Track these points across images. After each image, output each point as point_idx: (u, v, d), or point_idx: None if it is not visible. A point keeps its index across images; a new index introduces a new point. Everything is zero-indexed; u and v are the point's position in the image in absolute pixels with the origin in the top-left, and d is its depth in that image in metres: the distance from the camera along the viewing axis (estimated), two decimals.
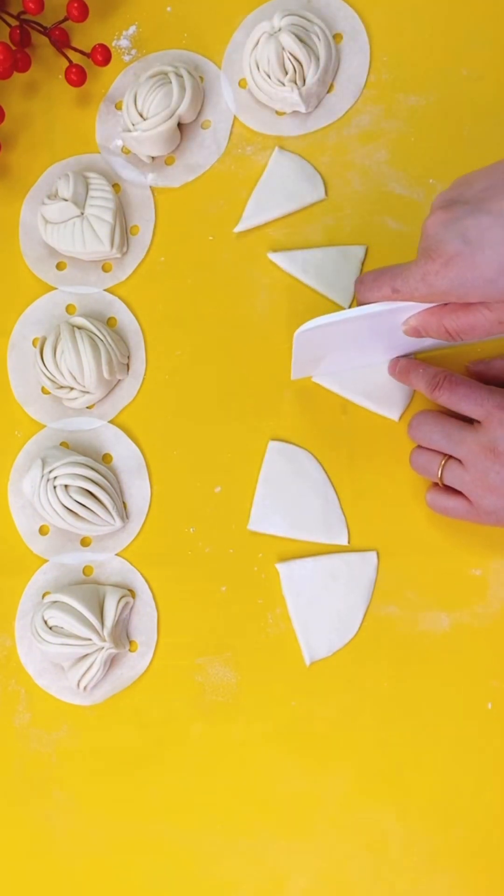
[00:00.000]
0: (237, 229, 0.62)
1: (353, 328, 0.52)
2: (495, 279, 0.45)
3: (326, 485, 0.59)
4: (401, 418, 0.59)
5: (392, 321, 0.51)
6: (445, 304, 0.49)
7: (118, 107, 0.66)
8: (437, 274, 0.46)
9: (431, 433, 0.54)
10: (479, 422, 0.52)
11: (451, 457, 0.53)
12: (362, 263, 0.61)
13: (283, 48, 0.60)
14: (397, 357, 0.58)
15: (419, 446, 0.56)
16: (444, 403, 0.54)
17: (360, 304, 0.51)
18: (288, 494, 0.59)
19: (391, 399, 0.59)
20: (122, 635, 0.58)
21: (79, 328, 0.60)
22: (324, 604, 0.57)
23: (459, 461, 0.53)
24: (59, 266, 0.64)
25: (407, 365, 0.56)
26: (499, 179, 0.46)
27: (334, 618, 0.57)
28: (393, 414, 0.59)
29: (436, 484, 0.55)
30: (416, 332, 0.51)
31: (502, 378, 0.56)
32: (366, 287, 0.50)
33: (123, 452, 0.61)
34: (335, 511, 0.59)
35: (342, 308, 0.60)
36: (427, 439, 0.54)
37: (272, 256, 0.62)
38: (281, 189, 0.62)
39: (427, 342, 0.54)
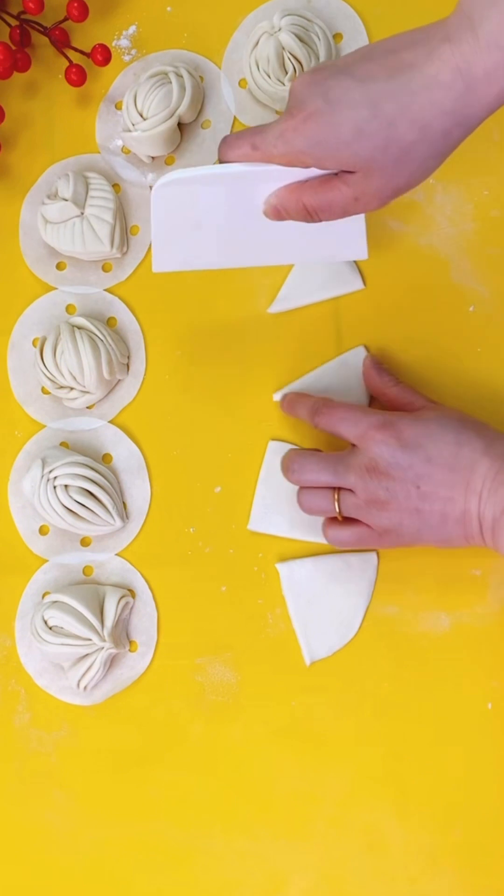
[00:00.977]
0: None
1: (214, 198, 0.50)
2: (350, 142, 0.44)
3: None
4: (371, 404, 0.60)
5: (253, 197, 0.50)
6: (304, 182, 0.48)
7: (118, 107, 0.66)
8: (296, 130, 0.45)
9: (318, 472, 0.53)
10: (355, 445, 0.52)
11: (341, 488, 0.53)
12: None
13: (283, 48, 0.60)
14: (284, 393, 0.59)
15: (306, 488, 0.55)
16: (324, 427, 0.54)
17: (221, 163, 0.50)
18: (288, 494, 0.59)
19: (354, 395, 0.60)
20: (122, 635, 0.58)
21: (79, 328, 0.60)
22: (324, 604, 0.57)
23: (350, 490, 0.53)
24: (59, 266, 0.64)
25: (293, 398, 0.58)
26: (368, 51, 0.46)
27: (334, 618, 0.57)
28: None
29: (329, 519, 0.55)
30: (276, 212, 0.50)
31: (383, 393, 0.57)
32: (227, 145, 0.49)
33: (123, 452, 0.61)
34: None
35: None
36: (315, 479, 0.54)
37: None
38: None
39: (288, 249, 0.53)
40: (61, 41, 0.65)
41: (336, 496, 0.53)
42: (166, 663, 0.58)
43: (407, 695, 0.56)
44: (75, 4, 0.64)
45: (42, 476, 0.57)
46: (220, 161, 0.49)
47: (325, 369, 0.60)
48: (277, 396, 0.60)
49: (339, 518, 0.54)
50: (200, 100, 0.64)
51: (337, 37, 0.64)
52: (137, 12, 0.67)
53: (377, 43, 0.46)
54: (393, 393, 0.56)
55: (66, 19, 0.64)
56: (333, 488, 0.53)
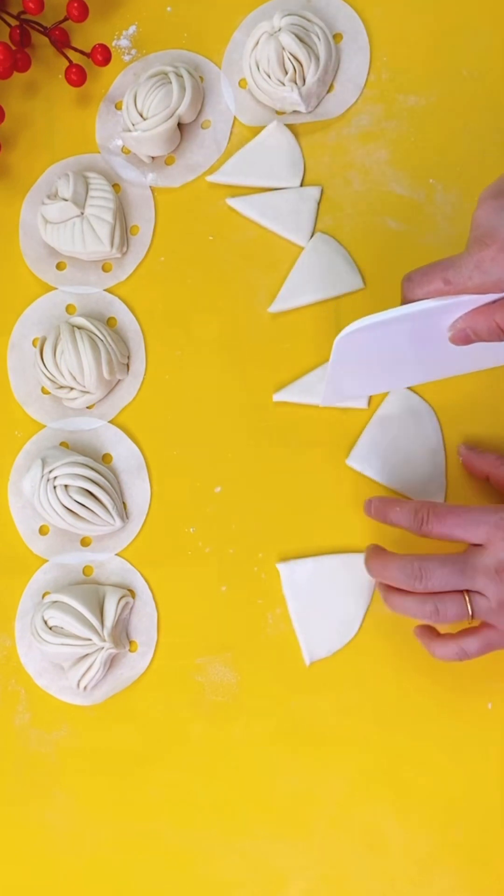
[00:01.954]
0: (210, 178, 0.63)
1: (396, 334, 0.49)
2: None
3: (439, 444, 0.58)
4: (369, 404, 0.59)
5: (438, 327, 0.48)
6: (494, 302, 0.47)
7: (118, 107, 0.66)
8: (493, 260, 0.44)
9: (447, 576, 0.50)
10: (479, 545, 0.50)
11: (467, 590, 0.50)
12: (318, 203, 0.62)
13: (283, 48, 0.60)
14: (369, 499, 0.55)
15: (432, 593, 0.51)
16: (438, 536, 0.51)
17: (406, 302, 0.48)
18: (396, 443, 0.58)
19: None
20: (122, 635, 0.58)
21: (79, 328, 0.60)
22: (324, 604, 0.57)
23: (479, 592, 0.50)
24: (59, 266, 0.64)
25: (381, 504, 0.54)
26: None
27: (334, 618, 0.57)
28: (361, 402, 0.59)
29: (439, 635, 0.52)
30: (464, 336, 0.48)
31: (490, 474, 0.55)
32: (414, 283, 0.48)
33: (123, 452, 0.61)
34: (440, 475, 0.58)
35: (300, 246, 0.62)
36: (444, 583, 0.50)
37: (230, 202, 0.62)
38: (263, 161, 0.63)
39: (465, 362, 0.51)
40: (61, 41, 0.65)
41: (467, 599, 0.50)
42: (166, 663, 0.58)
43: (407, 695, 0.56)
44: (75, 4, 0.64)
45: (42, 476, 0.57)
46: (406, 299, 0.48)
47: (325, 369, 0.60)
48: (277, 397, 0.60)
49: (471, 623, 0.51)
50: (200, 100, 0.64)
51: (337, 37, 0.64)
52: (137, 12, 0.67)
53: None
54: (501, 473, 0.55)
55: (66, 19, 0.64)
56: (461, 591, 0.50)
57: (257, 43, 0.62)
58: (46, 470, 0.57)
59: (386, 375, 0.55)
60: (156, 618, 0.59)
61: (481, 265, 0.45)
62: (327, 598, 0.57)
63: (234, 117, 0.64)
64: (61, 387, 0.60)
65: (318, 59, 0.61)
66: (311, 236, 0.62)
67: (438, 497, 0.58)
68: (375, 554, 0.54)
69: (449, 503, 0.52)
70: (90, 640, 0.55)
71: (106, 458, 0.61)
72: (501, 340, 0.48)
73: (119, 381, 0.62)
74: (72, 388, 0.60)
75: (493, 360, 0.56)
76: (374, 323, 0.46)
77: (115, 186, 0.64)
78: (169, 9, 0.67)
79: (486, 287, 0.46)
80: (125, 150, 0.65)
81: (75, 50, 0.65)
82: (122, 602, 0.57)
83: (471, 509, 0.51)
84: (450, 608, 0.50)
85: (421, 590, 0.51)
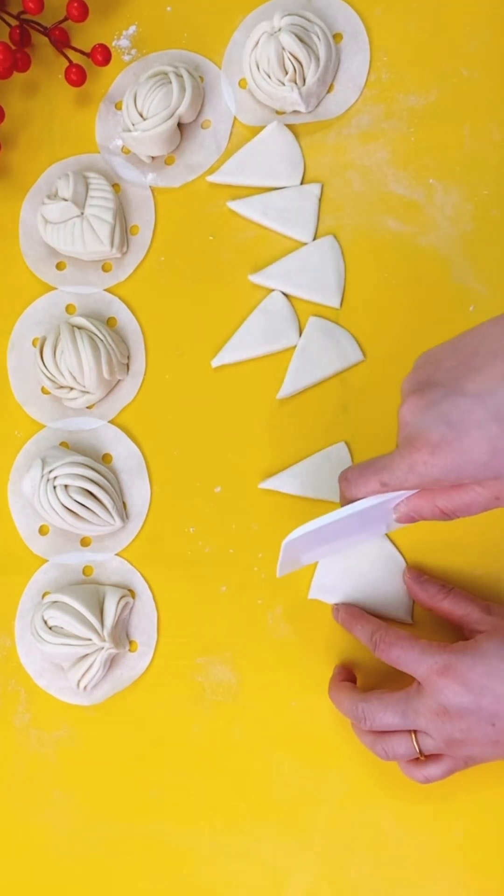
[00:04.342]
0: (210, 178, 0.63)
1: (342, 524, 0.50)
2: (488, 461, 0.43)
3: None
4: None
5: (382, 508, 0.49)
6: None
7: (118, 107, 0.66)
8: (426, 464, 0.44)
9: (387, 718, 0.51)
10: (419, 683, 0.50)
11: (414, 731, 0.51)
12: (319, 200, 0.62)
13: (283, 48, 0.60)
14: (337, 605, 0.56)
15: (381, 734, 0.52)
16: (385, 661, 0.52)
17: (345, 500, 0.49)
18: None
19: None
20: (122, 635, 0.58)
21: (79, 328, 0.60)
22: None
23: (423, 731, 0.50)
24: (59, 266, 0.64)
25: (348, 616, 0.55)
26: (465, 356, 0.45)
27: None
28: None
29: (412, 760, 0.52)
30: (409, 519, 0.49)
31: (432, 607, 0.55)
32: (351, 484, 0.48)
33: (123, 452, 0.61)
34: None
35: (303, 243, 0.62)
36: (386, 724, 0.51)
37: (231, 205, 0.62)
38: (263, 161, 0.63)
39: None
40: (61, 41, 0.65)
41: (414, 739, 0.51)
42: (166, 663, 0.58)
43: None
44: (75, 4, 0.64)
45: (42, 476, 0.57)
46: (344, 497, 0.49)
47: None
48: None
49: (422, 758, 0.51)
50: (200, 100, 0.64)
51: (337, 37, 0.64)
52: (137, 12, 0.67)
53: (468, 343, 0.45)
54: (445, 607, 0.54)
55: (66, 19, 0.64)
56: (408, 731, 0.51)
57: (257, 43, 0.62)
58: (46, 470, 0.57)
59: (335, 546, 0.56)
60: (156, 618, 0.59)
61: (415, 469, 0.45)
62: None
63: (234, 117, 0.64)
64: (61, 387, 0.60)
65: (318, 59, 0.61)
66: (316, 231, 0.62)
67: (404, 614, 0.57)
68: (334, 686, 0.55)
69: (402, 631, 0.52)
70: (90, 640, 0.55)
71: (106, 458, 0.61)
72: (444, 520, 0.48)
73: (119, 381, 0.62)
74: (72, 388, 0.60)
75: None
76: (320, 526, 0.48)
77: (115, 186, 0.64)
78: (169, 9, 0.67)
79: (423, 486, 0.46)
80: (125, 150, 0.65)
81: (75, 50, 0.65)
82: (122, 602, 0.57)
83: (415, 645, 0.51)
84: (398, 748, 0.51)
85: (366, 728, 0.52)
